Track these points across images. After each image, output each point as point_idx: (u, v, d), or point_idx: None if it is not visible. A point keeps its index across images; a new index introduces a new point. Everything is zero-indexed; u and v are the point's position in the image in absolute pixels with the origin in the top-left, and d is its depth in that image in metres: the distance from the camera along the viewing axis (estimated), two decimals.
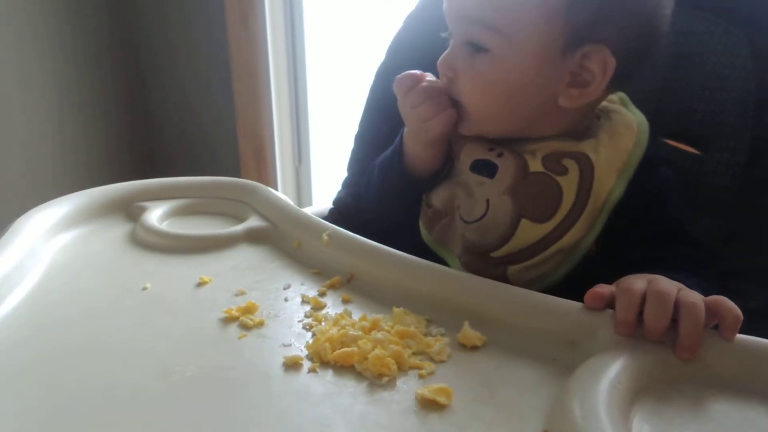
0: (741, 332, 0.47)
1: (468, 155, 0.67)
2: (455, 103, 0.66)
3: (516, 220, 0.62)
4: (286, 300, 0.60)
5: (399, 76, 0.67)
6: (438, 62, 0.66)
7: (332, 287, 0.62)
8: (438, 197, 0.69)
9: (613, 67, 0.60)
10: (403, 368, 0.49)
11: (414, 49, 0.92)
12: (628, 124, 0.65)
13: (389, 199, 0.73)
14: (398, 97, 0.67)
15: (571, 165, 0.62)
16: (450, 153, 0.69)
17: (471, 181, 0.65)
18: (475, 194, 0.65)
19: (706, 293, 0.50)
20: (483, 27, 0.61)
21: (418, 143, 0.68)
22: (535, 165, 0.63)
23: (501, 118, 0.64)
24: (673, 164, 0.68)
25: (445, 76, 0.65)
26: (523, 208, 0.62)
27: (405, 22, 0.95)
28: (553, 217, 0.62)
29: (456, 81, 0.64)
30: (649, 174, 0.63)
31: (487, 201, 0.64)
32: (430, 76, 0.66)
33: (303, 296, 0.60)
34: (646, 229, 0.63)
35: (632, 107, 0.68)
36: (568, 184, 0.62)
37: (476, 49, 0.62)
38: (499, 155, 0.65)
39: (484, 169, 0.65)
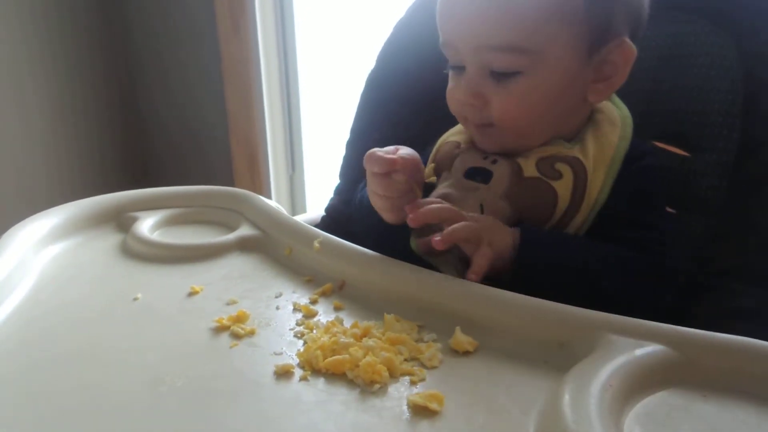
0: (733, 332, 0.47)
1: (462, 164, 0.67)
2: (487, 125, 0.65)
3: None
4: (277, 308, 0.60)
5: (371, 155, 0.61)
6: (457, 95, 0.64)
7: (324, 294, 0.62)
8: None
9: (634, 54, 0.63)
10: (394, 375, 0.49)
11: (404, 56, 0.93)
12: (612, 121, 0.66)
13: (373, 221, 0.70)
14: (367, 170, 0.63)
15: (565, 170, 0.63)
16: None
17: (463, 187, 0.65)
18: (467, 199, 0.64)
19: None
20: (508, 52, 0.61)
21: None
22: (530, 170, 0.63)
23: (540, 131, 0.65)
24: (654, 154, 0.69)
25: (471, 106, 0.64)
26: (521, 213, 0.63)
27: (394, 28, 0.96)
28: (549, 222, 0.63)
29: (488, 108, 0.63)
30: (630, 167, 0.64)
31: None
32: (399, 171, 0.61)
33: (294, 304, 0.60)
34: (622, 220, 0.64)
35: (616, 99, 0.69)
36: (563, 189, 0.62)
37: (503, 73, 0.62)
38: (493, 162, 0.65)
39: (478, 175, 0.65)
